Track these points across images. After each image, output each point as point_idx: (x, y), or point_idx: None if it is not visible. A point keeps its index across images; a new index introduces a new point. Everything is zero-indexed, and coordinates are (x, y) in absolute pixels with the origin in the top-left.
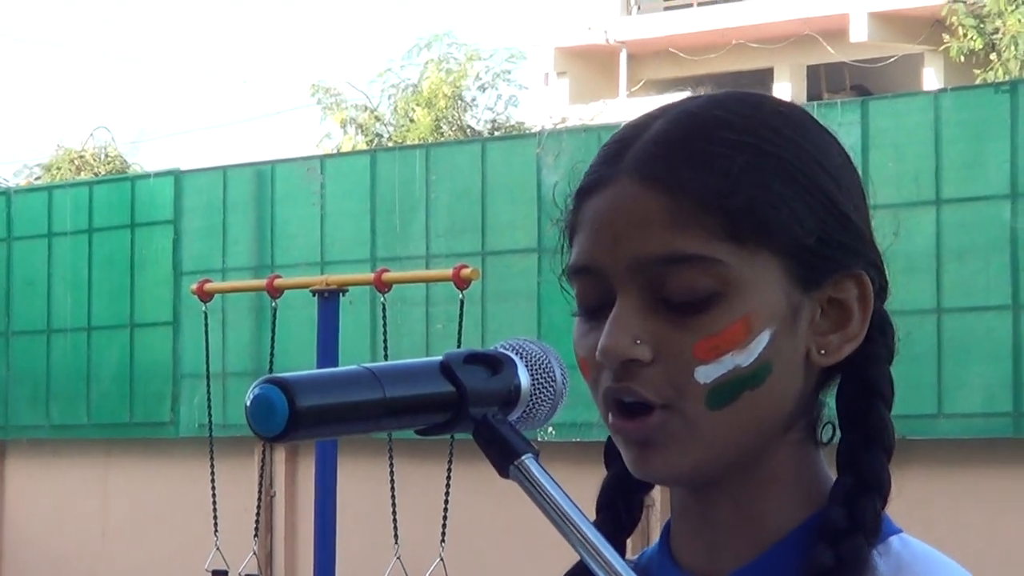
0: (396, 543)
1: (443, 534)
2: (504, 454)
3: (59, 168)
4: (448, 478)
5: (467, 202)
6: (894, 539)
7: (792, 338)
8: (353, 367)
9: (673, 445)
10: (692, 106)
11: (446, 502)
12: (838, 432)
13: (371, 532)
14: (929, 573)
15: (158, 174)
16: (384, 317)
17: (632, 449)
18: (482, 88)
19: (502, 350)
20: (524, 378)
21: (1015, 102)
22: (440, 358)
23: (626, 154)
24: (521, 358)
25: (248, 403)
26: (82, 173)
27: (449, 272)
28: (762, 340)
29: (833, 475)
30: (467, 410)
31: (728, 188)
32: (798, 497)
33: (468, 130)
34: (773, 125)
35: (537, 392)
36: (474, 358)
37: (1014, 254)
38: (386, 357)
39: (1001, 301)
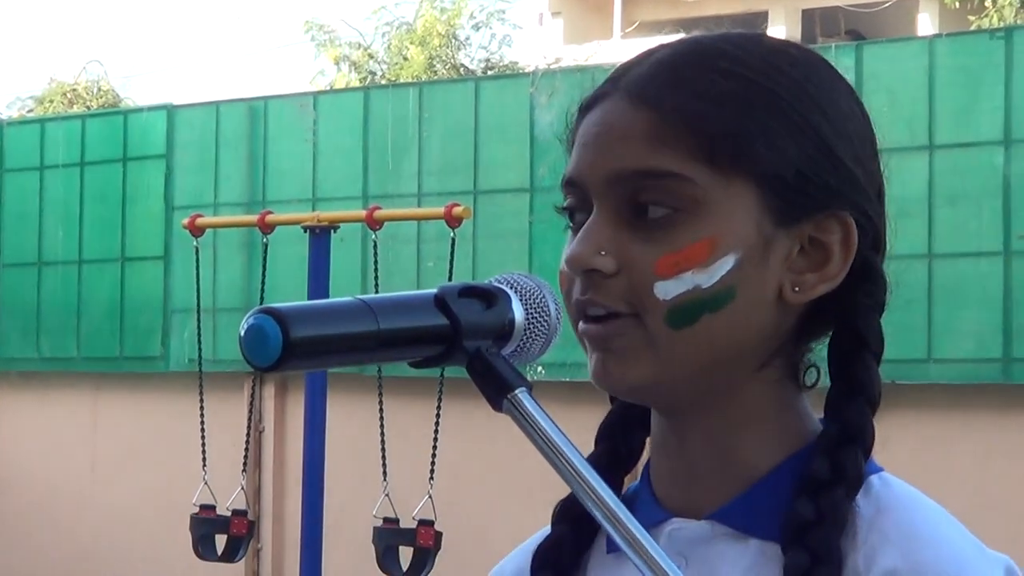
0: (385, 480)
1: (432, 471)
2: (498, 387)
3: (51, 101)
4: (437, 416)
5: (460, 141)
6: (874, 478)
7: (761, 269)
8: (347, 298)
9: (630, 354)
10: (704, 37)
11: (435, 440)
12: (821, 377)
13: (360, 469)
14: (907, 515)
15: (150, 108)
16: (375, 254)
17: (593, 356)
18: (476, 27)
19: (497, 284)
20: (518, 312)
21: (1009, 49)
22: (434, 291)
23: (627, 75)
24: (515, 292)
25: (242, 333)
26: (74, 107)
27: (441, 210)
28: (725, 263)
29: (818, 418)
30: (461, 343)
31: (711, 112)
32: (777, 437)
33: (462, 69)
34: (774, 63)
35: (531, 326)
36: (468, 291)
37: (1006, 201)
38: (377, 294)
39: (993, 247)
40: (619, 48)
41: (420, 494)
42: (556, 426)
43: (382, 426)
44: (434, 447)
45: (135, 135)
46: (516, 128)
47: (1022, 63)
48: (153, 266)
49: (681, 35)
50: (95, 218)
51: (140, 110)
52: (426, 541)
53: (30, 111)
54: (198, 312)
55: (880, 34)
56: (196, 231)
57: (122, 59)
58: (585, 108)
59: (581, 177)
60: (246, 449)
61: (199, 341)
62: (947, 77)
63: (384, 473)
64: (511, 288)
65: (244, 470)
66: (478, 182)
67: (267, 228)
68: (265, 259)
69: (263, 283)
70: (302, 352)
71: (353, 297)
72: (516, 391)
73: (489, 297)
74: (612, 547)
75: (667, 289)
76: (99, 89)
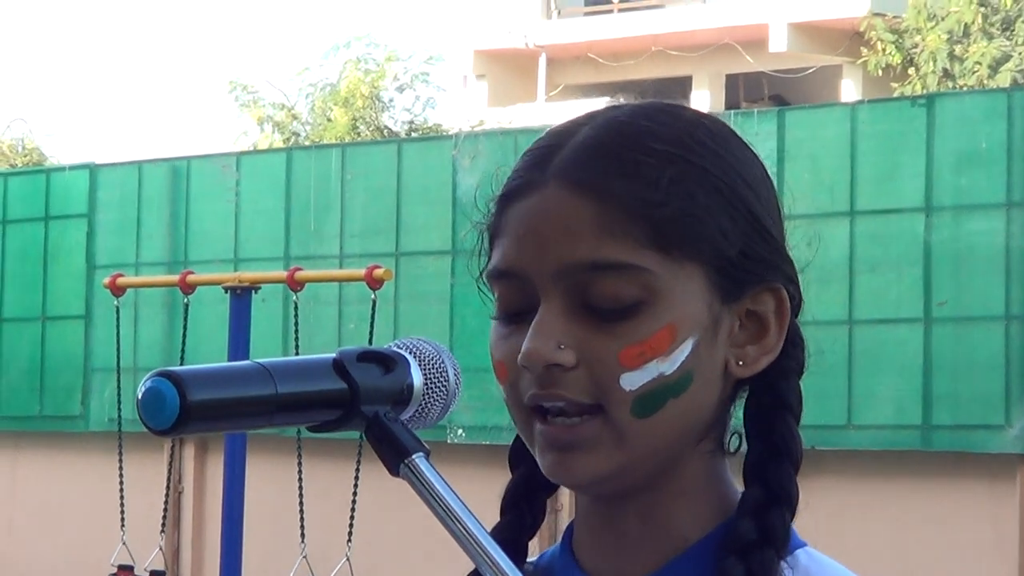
0: (303, 541)
1: (350, 533)
2: (395, 452)
3: None
4: (356, 478)
5: (382, 202)
6: (800, 552)
7: (712, 348)
8: (246, 362)
9: (597, 450)
10: (619, 114)
11: (353, 502)
12: (743, 443)
13: (278, 530)
14: None
15: (73, 167)
16: (296, 316)
17: (551, 453)
18: (400, 89)
19: (396, 349)
20: (417, 377)
21: (931, 116)
22: (333, 355)
23: (553, 160)
24: (415, 357)
25: (139, 396)
26: None
27: (362, 272)
28: (685, 349)
29: (739, 486)
30: (359, 407)
31: (657, 198)
32: (706, 507)
33: (385, 131)
34: (699, 138)
35: (430, 391)
36: (367, 356)
37: (927, 267)
38: (297, 355)
39: (913, 314)
40: (543, 111)
41: (338, 556)
42: (453, 492)
43: (300, 488)
44: (352, 509)
45: (57, 193)
46: (438, 190)
47: (944, 130)
48: (74, 325)
49: (607, 99)
50: (16, 276)
51: (63, 169)
52: None
53: None
54: (118, 372)
55: (803, 100)
56: (117, 290)
57: (47, 117)
58: (510, 196)
59: (524, 269)
60: (165, 509)
61: (119, 401)
62: (869, 144)
63: (302, 535)
64: (410, 353)
65: (163, 530)
66: (400, 244)
67: (188, 288)
68: (186, 319)
69: (184, 343)
70: (199, 415)
71: (252, 361)
72: (413, 456)
73: (388, 362)
74: None
75: (633, 380)
76: (23, 147)
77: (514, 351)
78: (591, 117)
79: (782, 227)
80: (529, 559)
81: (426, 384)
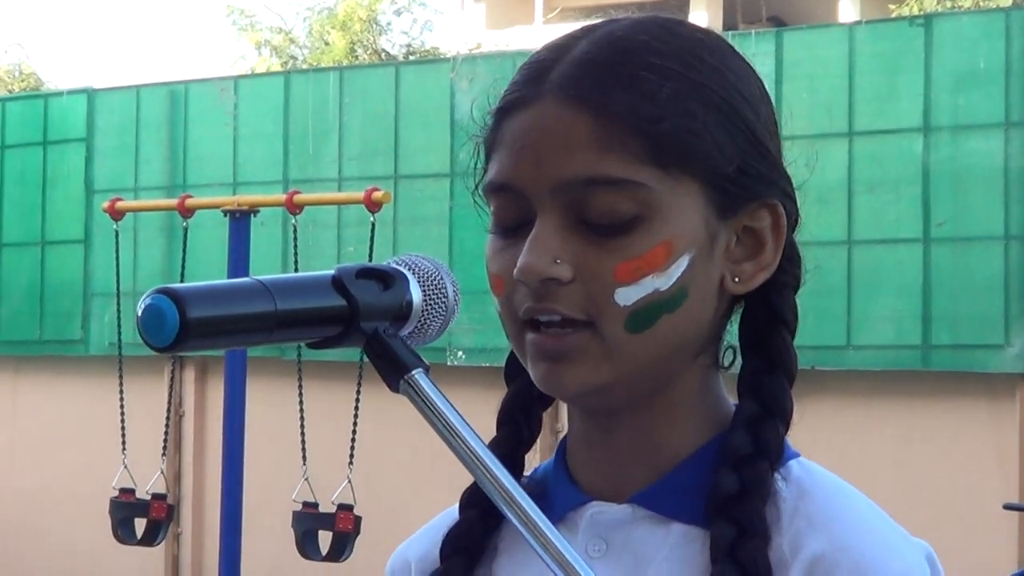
0: (304, 464)
1: (351, 456)
2: (394, 368)
3: None
4: (357, 400)
5: (380, 126)
6: (793, 463)
7: (708, 265)
8: (245, 279)
9: (587, 361)
10: (616, 28)
11: (355, 424)
12: (738, 358)
13: (279, 453)
14: (830, 499)
15: (71, 92)
16: (295, 239)
17: (542, 364)
18: (398, 12)
19: (394, 265)
20: (416, 293)
21: (929, 36)
22: (332, 272)
23: (550, 74)
24: (413, 274)
25: (139, 313)
26: None
27: (361, 195)
28: (681, 265)
29: (733, 400)
30: (358, 324)
31: (655, 113)
32: (700, 421)
33: (383, 54)
34: (697, 53)
35: (429, 308)
36: (366, 273)
37: (925, 187)
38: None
39: (912, 234)
40: (541, 33)
41: (339, 478)
42: (454, 408)
43: (301, 410)
44: (353, 431)
45: (55, 118)
46: (436, 113)
47: (941, 50)
48: (73, 250)
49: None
50: (15, 201)
51: (60, 93)
52: (345, 526)
53: None
54: (118, 296)
55: (801, 21)
56: (116, 215)
57: (44, 42)
58: (506, 110)
59: (520, 183)
60: (166, 433)
61: (119, 325)
62: (867, 64)
63: (304, 457)
64: (409, 270)
65: (164, 454)
66: (398, 167)
67: (187, 212)
68: (185, 243)
69: (183, 267)
70: (198, 332)
71: (251, 278)
72: (413, 372)
73: (386, 278)
74: None
75: (628, 295)
76: (20, 72)
77: (510, 265)
78: (589, 31)
79: (779, 144)
80: (526, 474)
81: (425, 300)
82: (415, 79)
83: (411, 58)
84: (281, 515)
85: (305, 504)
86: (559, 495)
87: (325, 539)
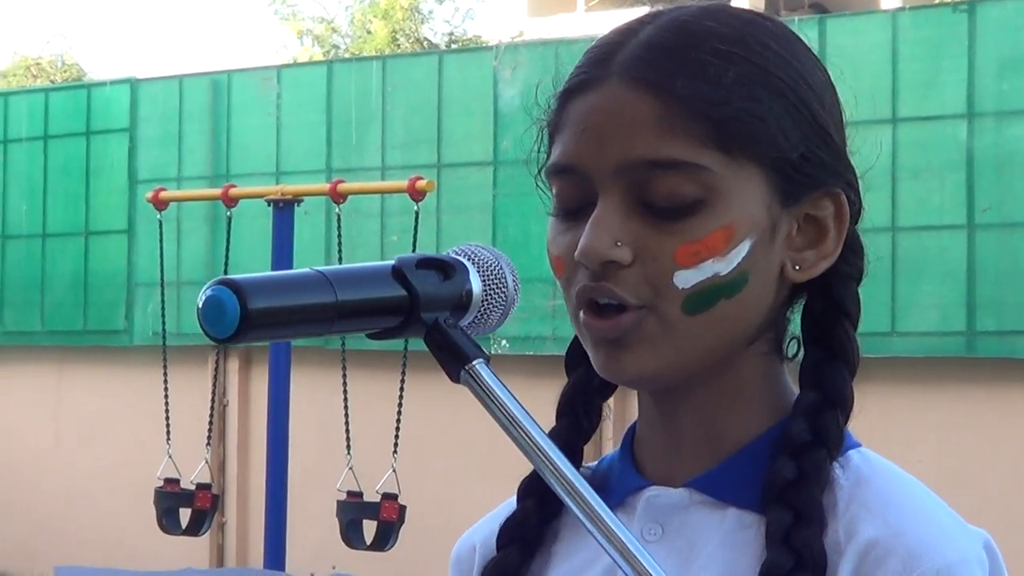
0: (349, 453)
1: (396, 444)
2: (455, 359)
3: (15, 75)
4: (401, 389)
5: (423, 115)
6: (853, 453)
7: (769, 251)
8: (305, 270)
9: (645, 345)
10: (683, 14)
11: (399, 413)
12: (800, 348)
13: (323, 442)
14: (888, 486)
15: (114, 82)
16: (339, 228)
17: (602, 349)
18: (439, 0)
19: (454, 255)
20: (476, 283)
21: (972, 21)
22: (392, 262)
23: (615, 57)
24: (473, 263)
25: (200, 304)
26: (38, 80)
27: (404, 184)
28: (742, 250)
29: (795, 390)
30: (418, 314)
31: (720, 97)
32: (761, 409)
33: (425, 42)
34: (763, 40)
35: (488, 297)
36: (426, 263)
37: (969, 174)
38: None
39: (956, 220)
40: (582, 21)
41: (384, 467)
42: (515, 398)
43: (346, 400)
44: (398, 420)
45: (99, 109)
46: (480, 102)
47: (985, 35)
48: (117, 240)
49: (647, 9)
50: (59, 192)
51: (104, 84)
52: (390, 515)
53: None
54: (162, 286)
55: (844, 7)
56: (160, 204)
57: (86, 33)
58: (571, 92)
59: (583, 165)
60: (210, 422)
61: (163, 315)
62: (910, 50)
63: (348, 447)
64: (468, 259)
65: (208, 444)
66: (442, 155)
67: (231, 201)
68: (229, 232)
69: (227, 256)
70: (259, 323)
71: (311, 268)
72: (474, 362)
73: (446, 268)
74: None
75: (687, 278)
76: (63, 63)
77: (571, 246)
78: (655, 16)
79: (843, 133)
80: (585, 464)
81: (485, 290)
82: (458, 68)
83: (453, 46)
84: (326, 504)
85: (350, 493)
86: (621, 480)
87: (370, 528)
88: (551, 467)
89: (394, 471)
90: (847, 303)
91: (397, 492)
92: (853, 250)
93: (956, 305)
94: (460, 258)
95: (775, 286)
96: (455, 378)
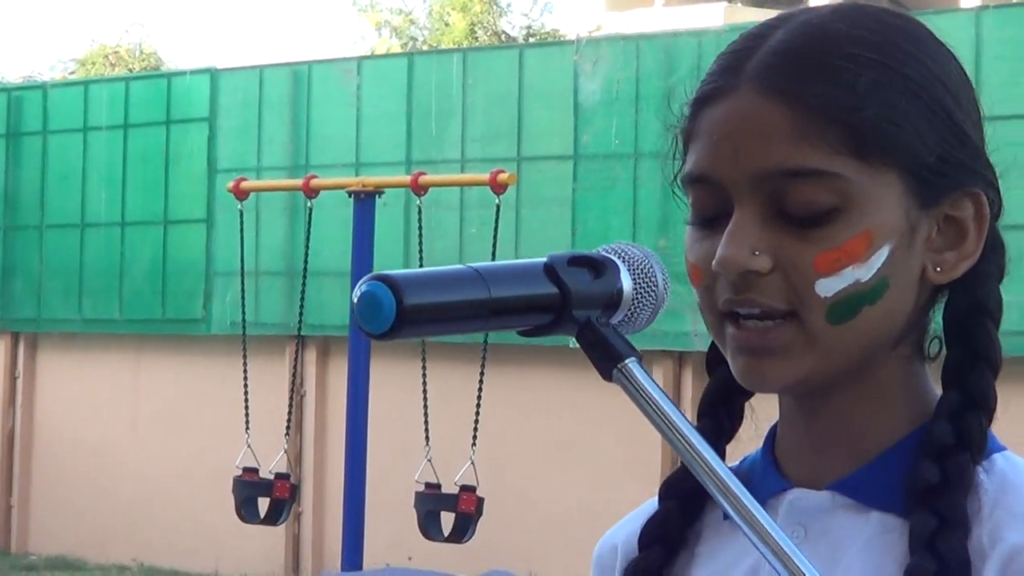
0: (427, 445)
1: (474, 437)
2: (607, 357)
3: (94, 63)
4: (480, 382)
5: (503, 108)
6: (998, 456)
7: (909, 255)
8: (459, 266)
9: (789, 355)
10: (814, 17)
11: (478, 405)
12: (943, 348)
13: (402, 433)
14: None
15: (194, 72)
16: (420, 220)
17: (742, 357)
18: None
19: (604, 253)
20: (627, 282)
21: None
22: (544, 259)
23: (747, 64)
24: (624, 261)
25: (355, 300)
26: (116, 69)
27: (486, 176)
28: (881, 255)
29: (938, 390)
30: (570, 312)
31: (854, 103)
32: (903, 411)
33: (503, 35)
34: (897, 41)
35: (639, 296)
36: (577, 260)
37: None
38: (420, 260)
39: None
40: (660, 16)
41: (462, 459)
42: (667, 396)
43: (425, 391)
44: (477, 413)
45: (179, 98)
46: (560, 95)
47: None
48: (196, 229)
49: (723, 4)
50: (138, 180)
51: (184, 73)
52: (468, 506)
53: (72, 73)
54: (242, 275)
55: (923, 6)
56: (241, 194)
57: (164, 22)
58: (704, 100)
59: (718, 175)
60: (289, 413)
61: (243, 304)
62: (995, 49)
63: (427, 438)
64: (619, 257)
65: (287, 434)
66: (521, 149)
67: (312, 192)
68: (309, 223)
69: (307, 247)
70: (415, 319)
71: (465, 265)
72: (627, 361)
73: (598, 266)
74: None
75: (829, 286)
76: (141, 52)
77: (708, 255)
78: (785, 20)
79: (982, 130)
80: (728, 464)
81: (635, 289)
82: (538, 61)
83: (531, 39)
84: (404, 495)
85: (428, 485)
86: (762, 482)
87: (447, 520)
88: (705, 467)
89: (472, 463)
90: (989, 302)
91: (475, 484)
92: (994, 248)
93: (1019, 306)
94: (611, 256)
95: (916, 289)
96: (608, 376)
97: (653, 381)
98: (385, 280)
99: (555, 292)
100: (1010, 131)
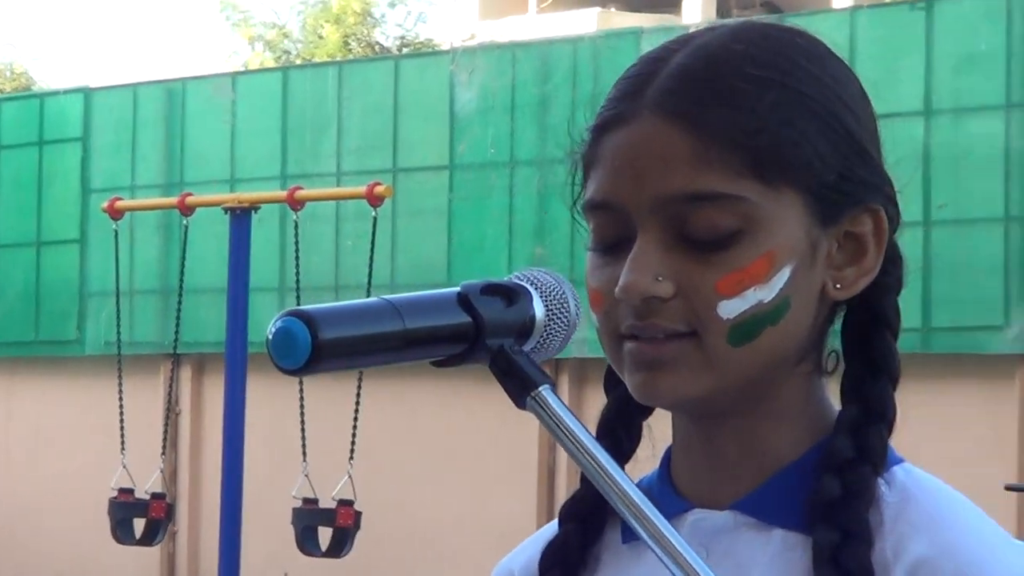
0: (304, 460)
1: (352, 451)
2: (521, 385)
3: None
4: (358, 396)
5: (379, 119)
6: (898, 469)
7: (810, 273)
8: (373, 299)
9: (685, 371)
10: (712, 39)
11: (355, 420)
12: (840, 361)
13: (278, 450)
14: (934, 503)
15: (67, 91)
16: (296, 235)
17: (639, 372)
18: (391, 4)
19: (517, 281)
20: (539, 309)
21: (930, 19)
22: (457, 289)
23: (646, 89)
24: (536, 289)
25: (270, 336)
26: None
27: (363, 189)
28: (783, 276)
29: (836, 405)
30: (484, 341)
31: (754, 126)
32: (803, 427)
33: (377, 47)
34: (795, 59)
35: (551, 322)
36: (490, 289)
37: (926, 171)
38: (297, 275)
39: (912, 217)
40: (535, 23)
41: (340, 474)
42: (580, 422)
43: (302, 406)
44: (354, 427)
45: (51, 118)
46: (435, 106)
47: (943, 34)
48: (69, 249)
49: (598, 10)
50: (10, 202)
51: (56, 93)
52: (345, 521)
53: None
54: (117, 295)
55: (797, 6)
56: (115, 214)
57: (35, 41)
58: (603, 127)
59: (620, 201)
60: (165, 431)
61: (118, 324)
62: (868, 49)
63: (304, 453)
64: (531, 284)
65: (163, 453)
66: (397, 160)
67: (187, 210)
68: (185, 241)
69: (183, 265)
70: (331, 353)
71: (378, 297)
72: (540, 388)
73: (510, 294)
74: (627, 538)
75: (731, 308)
76: (12, 72)
77: (610, 282)
78: (684, 42)
79: (880, 145)
80: None
81: (548, 315)
82: (414, 72)
83: (406, 50)
84: (281, 511)
85: (305, 500)
86: (661, 503)
87: (325, 535)
88: (620, 495)
89: (350, 477)
90: (888, 315)
91: (353, 498)
92: (892, 261)
93: (912, 301)
94: (523, 283)
95: (817, 306)
96: (520, 404)
97: (566, 407)
98: (300, 315)
99: (468, 321)
100: (882, 129)
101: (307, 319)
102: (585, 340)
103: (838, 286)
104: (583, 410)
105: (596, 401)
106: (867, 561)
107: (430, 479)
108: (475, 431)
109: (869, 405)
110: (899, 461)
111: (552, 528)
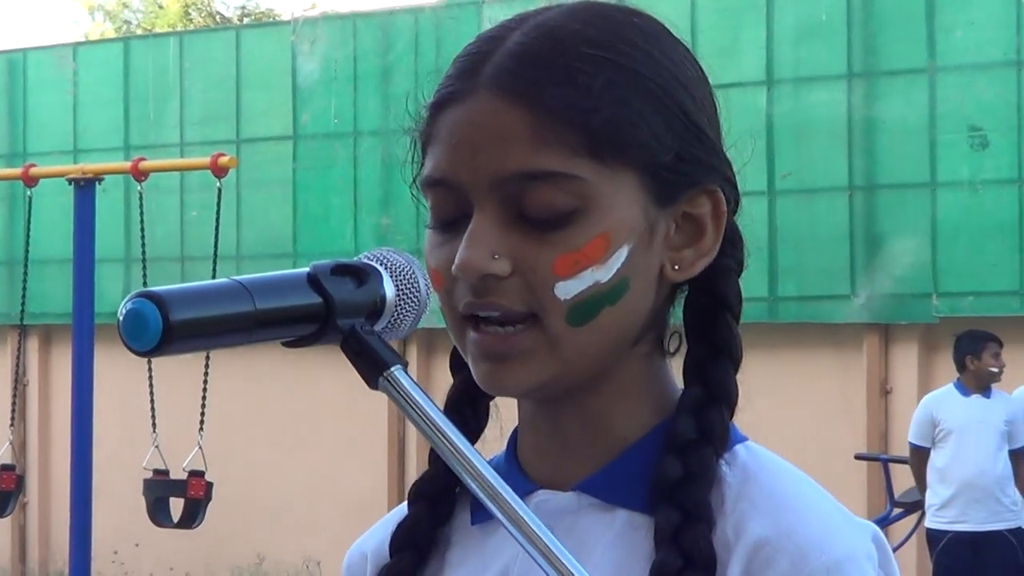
0: (154, 431)
1: (201, 422)
2: (373, 365)
3: None
4: (206, 367)
5: (221, 90)
6: (740, 448)
7: (648, 254)
8: (224, 280)
9: (530, 360)
10: (549, 18)
11: (204, 390)
12: (683, 343)
13: (129, 421)
14: (774, 482)
15: None
16: (141, 206)
17: (484, 363)
18: None
19: (367, 261)
20: (389, 289)
21: None
22: (307, 270)
23: (483, 67)
24: (386, 269)
25: (120, 318)
26: None
27: (207, 160)
28: (620, 256)
29: (680, 385)
30: (335, 321)
31: (590, 105)
32: (646, 407)
33: (218, 16)
34: (632, 40)
35: (402, 303)
36: (340, 269)
37: (769, 140)
38: (143, 246)
39: (756, 187)
40: None
41: (191, 445)
42: (432, 401)
43: (151, 377)
44: (204, 397)
45: None
46: (278, 76)
47: (784, 4)
48: None
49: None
50: None
51: None
52: (197, 492)
53: None
54: None
55: None
56: None
57: None
58: (441, 104)
59: (457, 178)
60: (13, 403)
61: None
62: (709, 19)
63: (153, 425)
64: (381, 265)
65: (11, 424)
66: (241, 131)
67: (31, 181)
68: (29, 213)
69: (27, 236)
70: (182, 335)
71: (230, 279)
72: (392, 368)
73: (360, 274)
74: (477, 519)
75: (568, 288)
76: None
77: (448, 259)
78: (521, 21)
79: (718, 125)
80: None
81: (398, 295)
82: (255, 42)
83: (247, 20)
84: (132, 483)
85: (156, 471)
86: (508, 484)
87: (176, 506)
88: (473, 473)
89: (200, 448)
90: (728, 296)
91: (204, 469)
92: (732, 243)
93: (758, 271)
94: (373, 263)
95: (656, 287)
96: (373, 384)
97: (418, 386)
98: (150, 297)
99: (319, 302)
100: (725, 99)
101: (158, 300)
102: (434, 311)
103: (676, 267)
104: (432, 381)
105: (445, 372)
106: (708, 542)
107: (281, 450)
108: (325, 402)
109: (710, 387)
110: (742, 440)
111: (402, 510)
